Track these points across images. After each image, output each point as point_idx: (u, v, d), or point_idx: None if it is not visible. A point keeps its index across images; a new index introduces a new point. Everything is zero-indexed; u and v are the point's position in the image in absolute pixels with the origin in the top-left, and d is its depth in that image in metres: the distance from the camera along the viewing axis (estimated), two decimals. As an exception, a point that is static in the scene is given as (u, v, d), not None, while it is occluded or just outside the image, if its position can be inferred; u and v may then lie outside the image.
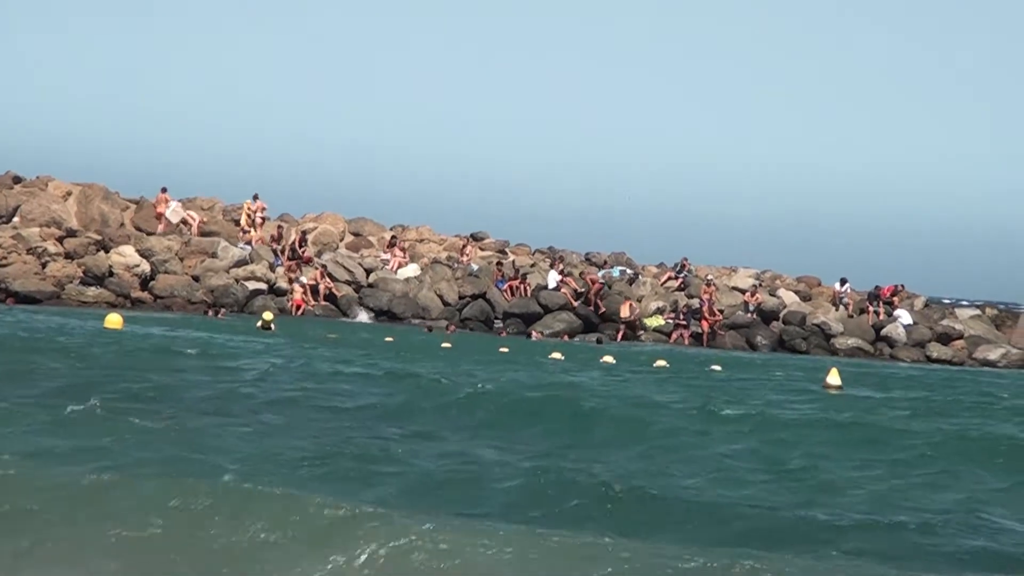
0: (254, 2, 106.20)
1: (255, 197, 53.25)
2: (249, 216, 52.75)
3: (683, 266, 55.33)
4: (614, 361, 37.77)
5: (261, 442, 17.07)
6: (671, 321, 51.68)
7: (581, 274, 52.75)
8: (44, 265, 48.21)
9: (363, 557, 11.43)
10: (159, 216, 52.44)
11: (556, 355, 38.20)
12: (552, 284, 51.32)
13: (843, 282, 55.17)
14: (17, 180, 53.37)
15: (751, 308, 52.66)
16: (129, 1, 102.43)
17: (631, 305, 50.70)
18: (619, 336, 49.99)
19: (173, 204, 52.90)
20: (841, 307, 54.33)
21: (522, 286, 51.17)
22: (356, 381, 25.04)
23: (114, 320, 36.11)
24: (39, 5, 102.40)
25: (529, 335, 48.55)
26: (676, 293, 53.43)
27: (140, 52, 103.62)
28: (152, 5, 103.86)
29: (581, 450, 18.65)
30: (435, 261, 52.72)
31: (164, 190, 53.09)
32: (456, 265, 52.50)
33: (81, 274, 48.27)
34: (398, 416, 20.85)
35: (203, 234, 52.03)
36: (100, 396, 19.39)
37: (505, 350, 40.12)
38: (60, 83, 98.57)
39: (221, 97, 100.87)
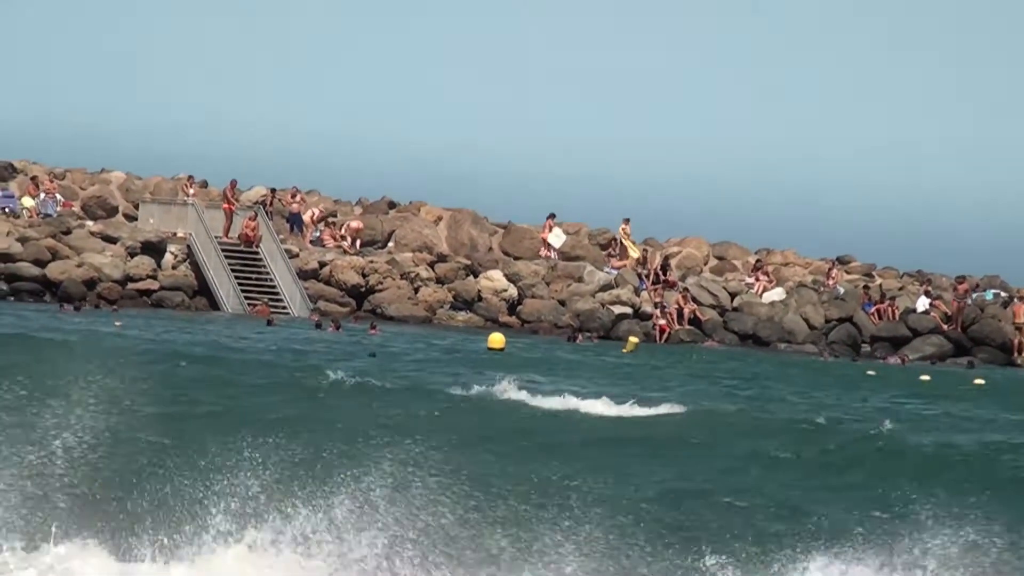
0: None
1: (626, 221, 53.61)
2: (623, 240, 53.14)
3: (1062, 288, 53.34)
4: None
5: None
6: (1050, 346, 49.74)
7: (954, 287, 51.14)
8: (416, 290, 49.27)
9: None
10: (544, 241, 52.81)
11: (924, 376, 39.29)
12: (921, 308, 50.42)
13: None
14: (392, 205, 54.57)
15: None
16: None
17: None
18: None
19: (557, 230, 53.40)
20: None
21: (890, 309, 50.31)
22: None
23: (497, 340, 38.53)
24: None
25: (902, 360, 47.63)
26: (1056, 317, 51.41)
27: (503, 94, 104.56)
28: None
29: None
30: (800, 284, 52.14)
31: (551, 216, 53.49)
32: (822, 288, 51.89)
33: (451, 298, 49.14)
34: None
35: (568, 258, 52.47)
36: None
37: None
38: (431, 116, 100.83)
39: (585, 123, 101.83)
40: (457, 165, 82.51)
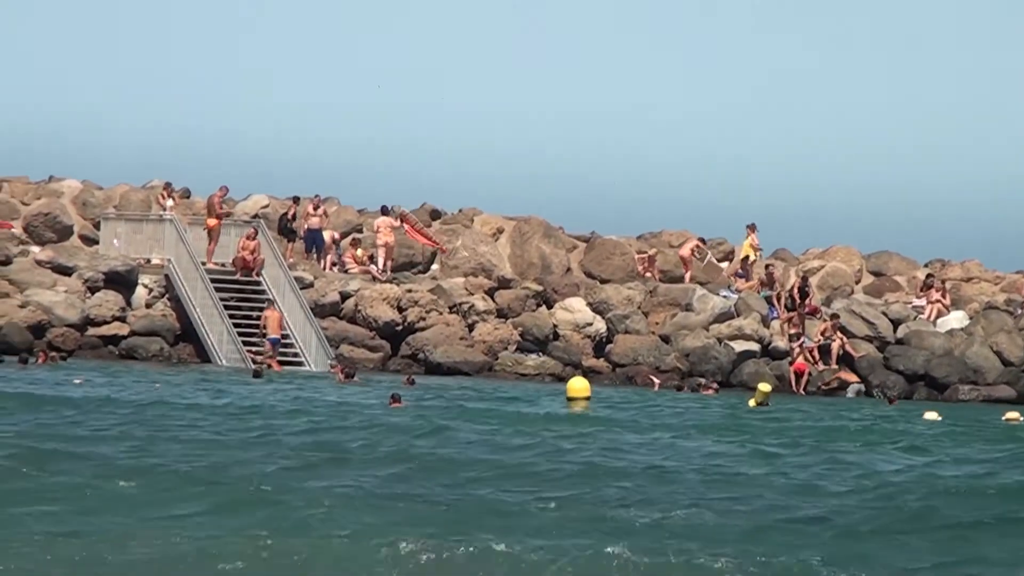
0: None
1: (751, 227, 48.75)
2: (749, 254, 48.31)
3: None
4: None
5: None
6: None
7: None
8: (471, 327, 44.75)
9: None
10: (683, 260, 47.31)
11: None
12: None
13: None
14: (435, 215, 50.00)
15: None
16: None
17: None
18: None
19: (691, 244, 47.56)
20: None
21: (1114, 334, 45.83)
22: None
23: (578, 388, 32.56)
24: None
25: None
26: None
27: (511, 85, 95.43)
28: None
29: None
30: (989, 306, 47.88)
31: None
32: (1019, 311, 47.37)
33: (518, 337, 44.70)
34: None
35: (672, 279, 47.96)
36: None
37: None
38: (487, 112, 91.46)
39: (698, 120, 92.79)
40: (522, 167, 73.24)
